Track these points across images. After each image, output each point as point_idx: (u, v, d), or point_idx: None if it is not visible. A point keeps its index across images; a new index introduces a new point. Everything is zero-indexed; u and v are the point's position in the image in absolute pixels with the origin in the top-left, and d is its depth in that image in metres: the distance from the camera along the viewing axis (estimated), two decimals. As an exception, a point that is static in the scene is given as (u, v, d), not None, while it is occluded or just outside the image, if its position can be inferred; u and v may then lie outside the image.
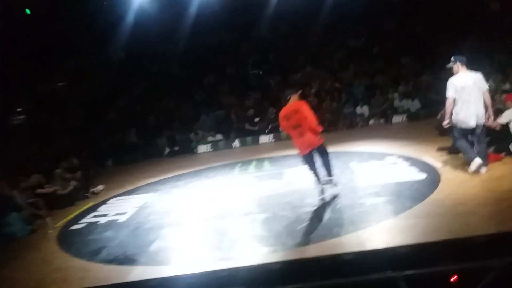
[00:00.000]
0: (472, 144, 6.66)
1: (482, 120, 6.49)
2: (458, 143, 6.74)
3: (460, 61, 6.58)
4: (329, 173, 6.77)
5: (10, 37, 13.72)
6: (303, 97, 7.23)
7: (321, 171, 6.81)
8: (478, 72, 6.58)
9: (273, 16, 16.98)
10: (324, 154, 6.73)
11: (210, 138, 14.69)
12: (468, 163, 6.65)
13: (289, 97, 6.84)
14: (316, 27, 17.15)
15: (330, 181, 6.78)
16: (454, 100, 6.55)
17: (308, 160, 6.75)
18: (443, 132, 9.82)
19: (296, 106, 6.65)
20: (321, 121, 7.06)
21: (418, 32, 17.18)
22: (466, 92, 6.42)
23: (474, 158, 6.50)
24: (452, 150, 8.06)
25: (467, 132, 6.62)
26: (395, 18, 18.11)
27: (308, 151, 6.64)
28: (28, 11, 13.70)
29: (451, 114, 6.63)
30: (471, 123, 6.45)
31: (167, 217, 7.15)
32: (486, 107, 6.54)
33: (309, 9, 17.10)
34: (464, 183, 6.30)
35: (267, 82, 17.20)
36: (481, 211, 5.14)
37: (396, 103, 14.59)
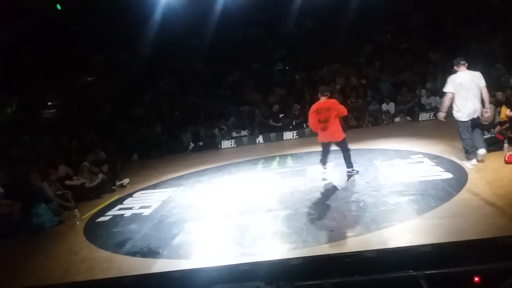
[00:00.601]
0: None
1: (476, 115, 7.11)
2: (465, 139, 7.22)
3: (460, 63, 7.19)
4: (348, 166, 7.73)
5: (42, 32, 14.09)
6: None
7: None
8: (476, 71, 7.16)
9: (299, 12, 16.88)
10: (344, 150, 7.67)
11: (234, 134, 14.75)
12: (467, 159, 7.23)
13: (326, 93, 7.66)
14: (342, 22, 16.97)
15: (350, 172, 7.72)
16: (453, 96, 7.13)
17: (324, 147, 7.74)
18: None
19: (329, 104, 7.51)
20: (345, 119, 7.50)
21: (447, 28, 16.77)
22: (465, 89, 7.00)
23: (480, 148, 7.12)
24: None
25: (470, 125, 7.16)
26: (423, 13, 17.72)
27: (327, 141, 7.64)
28: (59, 6, 14.00)
29: (448, 108, 7.26)
30: (467, 117, 7.06)
31: (190, 211, 7.23)
32: (483, 103, 7.08)
33: (335, 4, 16.92)
34: (492, 183, 6.14)
35: (292, 78, 17.13)
36: (508, 212, 5.00)
37: (424, 100, 14.29)
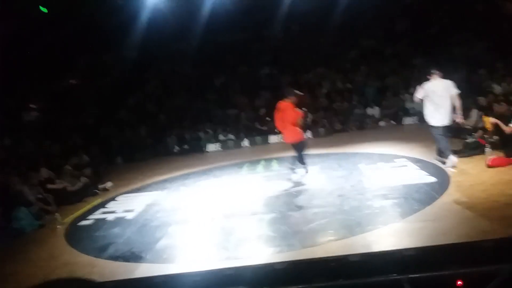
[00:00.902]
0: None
1: (447, 122, 7.48)
2: (441, 142, 7.63)
3: (432, 72, 7.62)
4: (298, 163, 8.28)
5: (25, 34, 13.87)
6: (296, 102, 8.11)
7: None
8: (448, 80, 7.50)
9: (285, 16, 16.91)
10: (298, 150, 8.18)
11: (220, 137, 14.70)
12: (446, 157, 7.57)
13: (290, 96, 7.98)
14: (328, 27, 17.06)
15: (293, 170, 8.34)
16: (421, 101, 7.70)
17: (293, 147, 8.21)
18: (455, 135, 9.78)
19: (286, 106, 7.91)
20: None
21: (432, 34, 17.00)
22: (438, 96, 7.40)
23: (450, 155, 7.50)
24: (462, 154, 7.99)
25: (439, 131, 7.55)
26: (408, 18, 17.95)
27: (288, 142, 8.22)
28: (45, 9, 13.79)
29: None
30: (440, 123, 7.45)
31: (174, 215, 7.17)
32: (454, 109, 7.44)
33: (321, 8, 17.01)
34: (474, 187, 6.22)
35: (278, 82, 17.17)
36: (490, 215, 5.07)
37: (408, 104, 14.45)
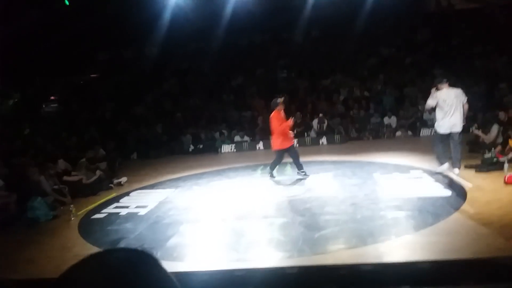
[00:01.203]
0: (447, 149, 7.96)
1: (459, 129, 7.70)
2: (436, 147, 8.01)
3: (443, 81, 7.86)
4: (271, 169, 9.09)
5: (48, 27, 14.10)
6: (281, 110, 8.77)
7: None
8: (458, 88, 7.87)
9: (306, 21, 16.92)
10: (276, 158, 8.99)
11: (235, 139, 14.73)
12: (439, 164, 7.98)
13: (274, 106, 8.64)
14: (348, 33, 17.02)
15: (270, 174, 9.10)
16: (433, 108, 7.95)
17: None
18: (472, 148, 9.68)
19: (273, 114, 8.58)
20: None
21: (453, 45, 16.82)
22: (448, 105, 7.63)
23: (444, 163, 7.88)
24: (480, 169, 7.88)
25: (445, 138, 7.86)
26: (430, 29, 17.79)
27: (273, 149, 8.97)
28: (67, 1, 14.02)
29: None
30: (450, 130, 7.71)
31: (186, 213, 7.20)
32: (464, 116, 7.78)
33: (342, 15, 16.98)
34: (490, 203, 6.11)
35: (296, 86, 17.15)
36: (506, 233, 4.98)
37: (426, 115, 14.29)
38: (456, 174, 7.74)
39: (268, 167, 9.18)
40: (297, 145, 14.09)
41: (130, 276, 0.74)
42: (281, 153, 8.85)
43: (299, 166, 8.87)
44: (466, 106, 7.79)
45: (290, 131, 8.89)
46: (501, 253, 4.41)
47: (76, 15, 14.68)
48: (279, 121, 8.53)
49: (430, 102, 7.95)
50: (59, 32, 14.52)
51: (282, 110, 8.73)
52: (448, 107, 7.65)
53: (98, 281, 0.73)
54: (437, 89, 7.86)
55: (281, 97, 9.02)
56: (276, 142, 8.72)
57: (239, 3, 15.77)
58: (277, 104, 8.62)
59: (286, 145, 8.71)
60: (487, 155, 8.32)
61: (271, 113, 8.69)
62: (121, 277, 0.74)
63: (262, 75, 17.96)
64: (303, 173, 8.86)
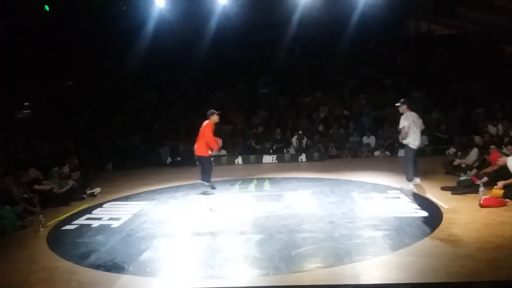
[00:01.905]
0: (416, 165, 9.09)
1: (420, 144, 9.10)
2: (409, 164, 8.92)
3: (407, 103, 9.09)
4: (202, 179, 9.32)
5: (27, 32, 13.82)
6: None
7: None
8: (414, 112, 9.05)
9: (289, 38, 17.09)
10: (204, 167, 9.41)
11: (213, 153, 14.58)
12: (408, 180, 8.92)
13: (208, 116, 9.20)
14: (330, 53, 17.26)
15: (201, 183, 9.32)
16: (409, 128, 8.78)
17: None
18: (448, 171, 9.85)
19: (206, 123, 9.17)
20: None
21: (431, 69, 17.22)
22: (415, 125, 8.85)
23: (416, 177, 9.03)
24: (455, 191, 7.99)
25: (416, 154, 9.05)
26: (408, 53, 18.19)
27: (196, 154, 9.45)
28: (47, 7, 13.75)
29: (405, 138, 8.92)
30: (418, 144, 8.99)
31: (161, 227, 7.02)
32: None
33: (326, 35, 17.23)
34: (466, 225, 6.16)
35: (277, 102, 17.21)
36: (481, 256, 4.99)
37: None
38: (418, 182, 8.94)
39: (203, 180, 9.32)
40: (276, 161, 14.09)
41: None
42: (208, 159, 9.39)
43: (207, 178, 9.27)
44: (423, 126, 9.27)
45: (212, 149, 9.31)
46: (476, 276, 4.42)
47: (56, 21, 14.42)
48: (212, 132, 9.14)
49: (405, 123, 8.78)
50: (37, 37, 14.25)
51: (214, 125, 9.22)
52: (416, 126, 8.88)
53: None
54: (401, 111, 8.99)
55: (218, 112, 9.31)
56: (203, 149, 9.16)
57: (224, 17, 15.79)
58: (212, 114, 9.18)
59: (208, 153, 9.31)
60: (463, 177, 8.46)
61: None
62: None
63: (243, 90, 17.98)
64: (209, 186, 9.29)
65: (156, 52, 17.76)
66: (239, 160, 14.37)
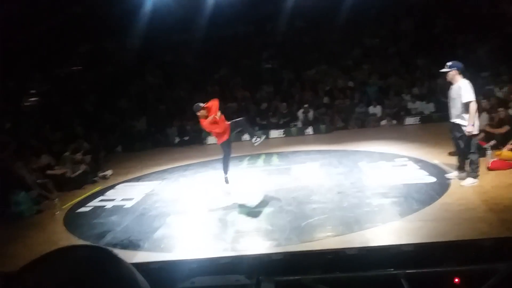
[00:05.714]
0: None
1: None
2: (475, 155, 6.49)
3: (458, 67, 6.42)
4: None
5: (29, 18, 13.79)
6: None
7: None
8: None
9: (290, 11, 16.86)
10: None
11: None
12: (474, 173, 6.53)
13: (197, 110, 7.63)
14: (332, 24, 17.03)
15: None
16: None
17: None
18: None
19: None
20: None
21: (436, 34, 16.96)
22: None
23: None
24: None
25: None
26: (412, 19, 17.90)
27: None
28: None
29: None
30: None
31: (173, 205, 7.18)
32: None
33: (326, 5, 16.96)
34: (474, 188, 6.22)
35: (281, 77, 17.14)
36: (489, 218, 5.06)
37: (410, 104, 14.45)
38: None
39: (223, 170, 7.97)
40: (284, 135, 14.14)
41: (89, 273, 0.76)
42: (224, 145, 7.94)
43: (225, 169, 7.89)
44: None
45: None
46: (485, 237, 4.49)
47: (57, 6, 14.35)
48: (207, 122, 7.56)
49: (471, 97, 6.23)
50: (39, 23, 14.22)
51: (206, 117, 7.60)
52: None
53: (57, 276, 0.75)
54: (448, 79, 6.53)
55: (203, 106, 7.75)
56: (217, 137, 7.97)
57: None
58: (198, 109, 7.67)
59: (222, 139, 7.87)
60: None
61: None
62: (80, 274, 0.75)
63: (246, 66, 17.90)
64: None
65: (158, 33, 17.62)
66: (246, 136, 14.39)
